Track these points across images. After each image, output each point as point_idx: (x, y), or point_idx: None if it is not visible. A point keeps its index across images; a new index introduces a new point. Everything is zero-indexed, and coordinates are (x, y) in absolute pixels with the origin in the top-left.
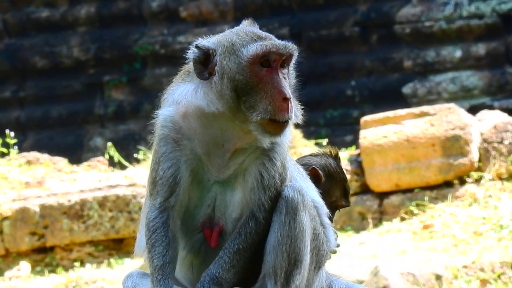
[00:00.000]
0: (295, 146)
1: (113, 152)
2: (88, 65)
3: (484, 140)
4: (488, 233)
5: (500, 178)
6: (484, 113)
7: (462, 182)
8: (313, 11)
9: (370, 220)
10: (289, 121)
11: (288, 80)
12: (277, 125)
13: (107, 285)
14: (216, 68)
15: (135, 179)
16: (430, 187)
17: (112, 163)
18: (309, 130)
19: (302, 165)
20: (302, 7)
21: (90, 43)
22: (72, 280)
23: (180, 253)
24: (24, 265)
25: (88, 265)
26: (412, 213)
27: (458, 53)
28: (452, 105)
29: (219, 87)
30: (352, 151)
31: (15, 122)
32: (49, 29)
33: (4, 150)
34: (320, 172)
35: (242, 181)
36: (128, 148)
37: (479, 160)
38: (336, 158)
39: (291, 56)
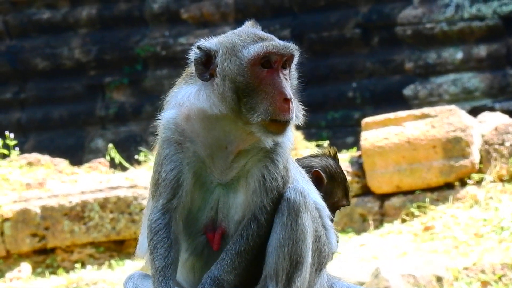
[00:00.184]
0: (296, 148)
1: (114, 153)
2: (89, 67)
3: (485, 142)
4: (489, 235)
5: (501, 180)
6: (485, 115)
7: (463, 184)
8: (314, 12)
9: (371, 222)
10: (290, 121)
11: (289, 81)
12: (279, 124)
13: (108, 287)
14: (217, 69)
15: (136, 180)
16: (431, 189)
17: (113, 164)
18: (310, 132)
19: (303, 167)
20: (303, 8)
21: (91, 44)
22: (73, 282)
23: (182, 255)
24: (25, 267)
25: (89, 267)
26: (413, 215)
27: (459, 55)
28: (453, 107)
29: (221, 89)
30: (353, 152)
31: (16, 123)
32: (50, 31)
33: (5, 151)
34: (322, 174)
35: (245, 184)
36: (129, 150)
37: (480, 162)
38: (335, 158)
39: (292, 56)
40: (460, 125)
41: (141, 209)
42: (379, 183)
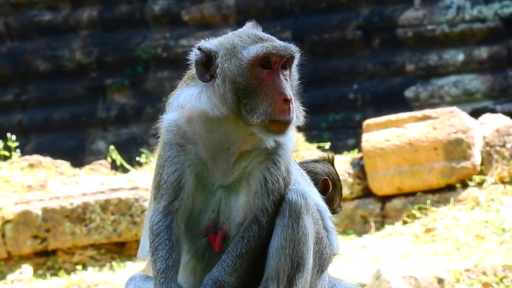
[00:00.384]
0: (298, 150)
1: (115, 155)
2: (90, 69)
3: (487, 144)
4: (490, 237)
5: (503, 182)
6: (486, 117)
7: (464, 185)
8: (315, 14)
9: (372, 224)
10: (290, 121)
11: (289, 81)
12: (279, 124)
13: None
14: (217, 70)
15: (137, 182)
16: (432, 191)
17: (114, 166)
18: (312, 133)
19: (306, 172)
20: (305, 10)
21: (92, 46)
22: (74, 284)
23: (184, 257)
24: (26, 269)
25: (90, 269)
26: (414, 217)
27: (460, 57)
28: (454, 108)
29: (222, 90)
30: (355, 154)
31: (17, 125)
32: (51, 33)
33: (6, 153)
34: (329, 182)
35: (246, 186)
36: (130, 152)
37: (482, 164)
38: (333, 164)
39: (292, 57)
40: (461, 126)
41: (143, 211)
42: (380, 184)
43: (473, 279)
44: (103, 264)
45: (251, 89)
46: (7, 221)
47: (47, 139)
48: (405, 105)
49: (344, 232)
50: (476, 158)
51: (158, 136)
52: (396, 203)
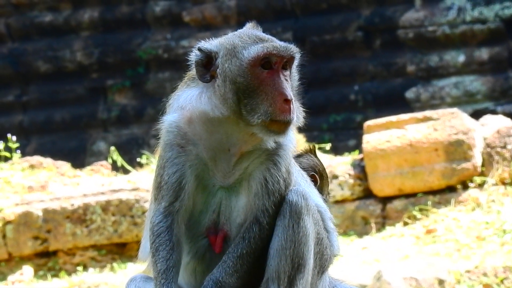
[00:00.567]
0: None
1: (116, 156)
2: (91, 70)
3: (487, 145)
4: (491, 238)
5: (503, 183)
6: (487, 118)
7: (465, 187)
8: (316, 15)
9: (373, 225)
10: (291, 121)
11: (290, 82)
12: (280, 124)
13: None
14: (218, 70)
15: (138, 183)
16: (433, 192)
17: (115, 167)
18: (312, 134)
19: None
20: (306, 11)
21: (93, 47)
22: (75, 285)
23: (184, 258)
24: (27, 270)
25: (91, 270)
26: (415, 218)
27: (461, 58)
28: (455, 110)
29: (222, 91)
30: (355, 155)
31: (18, 126)
32: (52, 34)
33: (7, 154)
34: (316, 175)
35: (247, 186)
36: (131, 153)
37: (482, 165)
38: (315, 154)
39: (292, 58)
40: (462, 128)
41: (143, 212)
42: (381, 186)
43: (474, 280)
44: (104, 265)
45: (252, 89)
46: (7, 222)
47: (48, 140)
48: (406, 106)
49: (344, 233)
50: (477, 159)
51: (159, 137)
52: (397, 204)
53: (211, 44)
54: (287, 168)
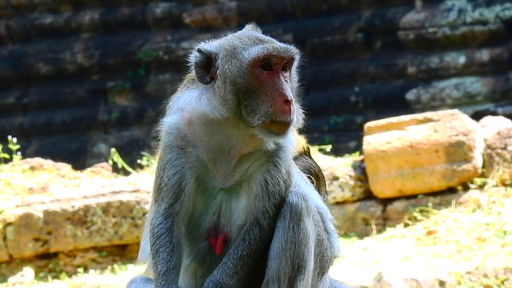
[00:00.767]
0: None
1: (116, 158)
2: (91, 71)
3: (488, 146)
4: (491, 239)
5: (504, 184)
6: (487, 119)
7: (466, 188)
8: (317, 17)
9: (373, 226)
10: (291, 122)
11: (290, 83)
12: (280, 124)
13: None
14: (218, 72)
15: (138, 185)
16: (434, 193)
17: (115, 169)
18: (313, 136)
19: None
20: (306, 13)
21: (94, 49)
22: (75, 286)
23: (184, 261)
24: (28, 271)
25: (91, 271)
26: (415, 219)
27: (461, 59)
28: (455, 111)
29: (222, 92)
30: (356, 157)
31: (18, 128)
32: (52, 35)
33: (8, 156)
34: (312, 177)
35: (247, 188)
36: (131, 154)
37: (483, 166)
38: (309, 154)
39: (292, 59)
40: (462, 129)
41: (144, 214)
42: (381, 187)
43: (475, 282)
44: (104, 266)
45: (252, 90)
46: (8, 224)
47: (48, 141)
48: (406, 108)
49: (345, 235)
50: (478, 160)
51: (159, 139)
52: (398, 205)
53: (210, 45)
54: (287, 169)
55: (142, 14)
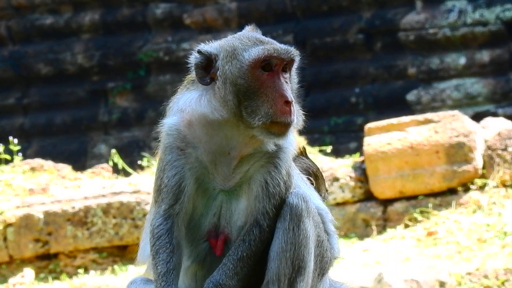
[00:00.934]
0: None
1: (117, 159)
2: (92, 72)
3: (488, 147)
4: (492, 240)
5: (504, 185)
6: (488, 120)
7: (466, 189)
8: (317, 18)
9: (374, 227)
10: (291, 123)
11: (290, 84)
12: (280, 125)
13: None
14: (218, 73)
15: (139, 186)
16: (434, 194)
17: (116, 170)
18: (313, 137)
19: None
20: (306, 14)
21: (94, 50)
22: (75, 287)
23: (185, 262)
24: (28, 272)
25: (92, 272)
26: (416, 220)
27: (462, 60)
28: (456, 112)
29: (222, 93)
30: (356, 158)
31: (19, 129)
32: (53, 36)
33: (8, 157)
34: (311, 178)
35: (247, 189)
36: (132, 155)
37: (483, 167)
38: (306, 154)
39: (292, 60)
40: (463, 130)
41: (144, 215)
42: (382, 188)
43: (475, 283)
44: (105, 267)
45: (252, 91)
46: (9, 225)
47: (49, 142)
48: (407, 109)
49: (345, 236)
50: (478, 161)
51: (159, 140)
52: (398, 206)
53: (211, 46)
54: (288, 170)
55: (143, 15)
